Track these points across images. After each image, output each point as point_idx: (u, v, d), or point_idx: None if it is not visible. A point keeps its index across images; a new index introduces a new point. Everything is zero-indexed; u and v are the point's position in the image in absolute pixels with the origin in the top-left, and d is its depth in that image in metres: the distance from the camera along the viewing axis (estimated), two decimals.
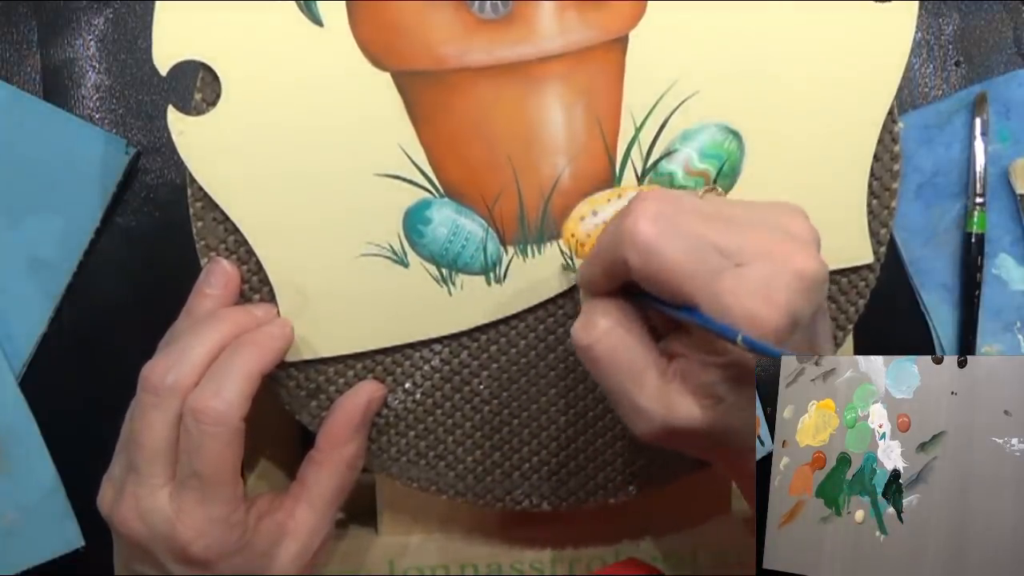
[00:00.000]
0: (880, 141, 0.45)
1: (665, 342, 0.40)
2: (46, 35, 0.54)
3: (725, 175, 0.45)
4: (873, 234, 0.46)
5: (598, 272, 0.40)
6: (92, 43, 0.54)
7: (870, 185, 0.46)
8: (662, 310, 0.39)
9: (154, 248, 0.54)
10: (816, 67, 0.45)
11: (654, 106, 0.45)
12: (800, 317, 0.37)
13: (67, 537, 0.53)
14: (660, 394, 0.38)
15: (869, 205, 0.46)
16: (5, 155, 0.52)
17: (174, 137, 0.44)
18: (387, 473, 0.48)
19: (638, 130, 0.45)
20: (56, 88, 0.54)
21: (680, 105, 0.45)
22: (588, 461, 0.48)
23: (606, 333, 0.39)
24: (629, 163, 0.45)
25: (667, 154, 0.45)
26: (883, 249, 0.47)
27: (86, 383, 0.54)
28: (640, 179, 0.45)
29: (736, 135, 0.45)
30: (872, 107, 0.45)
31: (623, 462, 0.48)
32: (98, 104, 0.54)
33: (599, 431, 0.48)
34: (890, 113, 0.45)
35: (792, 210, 0.39)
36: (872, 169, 0.46)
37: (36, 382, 0.54)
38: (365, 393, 0.46)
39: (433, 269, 0.46)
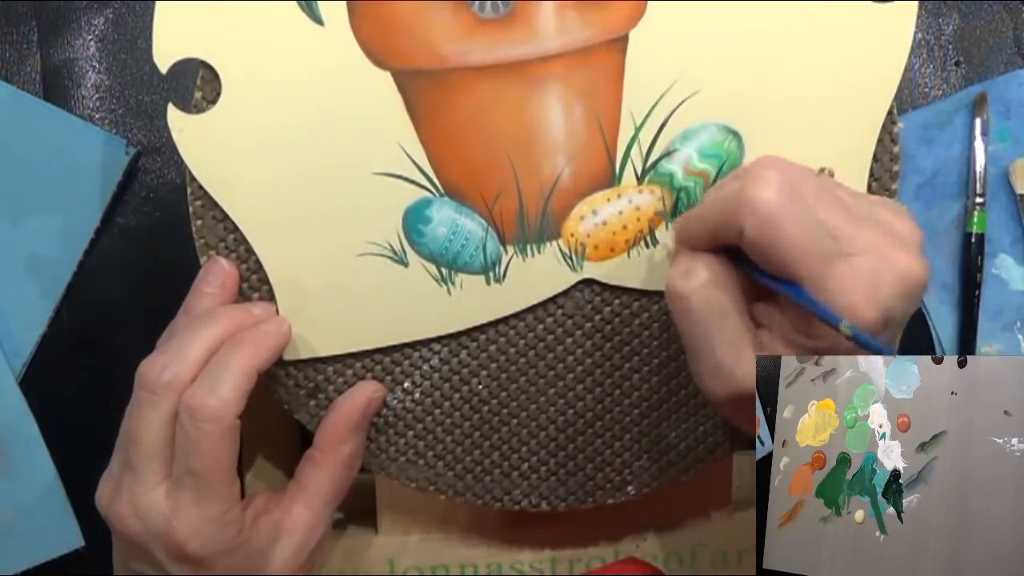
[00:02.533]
0: (880, 141, 0.45)
1: (752, 310, 0.40)
2: (46, 35, 0.54)
3: (725, 175, 0.45)
4: None
5: (703, 230, 0.40)
6: (92, 43, 0.54)
7: (869, 186, 0.46)
8: (763, 281, 0.39)
9: (154, 248, 0.54)
10: (816, 67, 0.45)
11: (654, 106, 0.45)
12: (894, 317, 0.37)
13: (67, 537, 0.53)
14: (743, 359, 0.39)
15: None
16: (5, 155, 0.52)
17: (174, 135, 0.44)
18: (385, 472, 0.48)
19: (638, 130, 0.45)
20: (56, 88, 0.54)
21: (680, 105, 0.45)
22: (587, 461, 0.48)
23: (703, 286, 0.39)
24: (629, 163, 0.45)
25: (667, 154, 0.45)
26: None
27: (86, 383, 0.54)
28: (640, 179, 0.45)
29: (736, 135, 0.45)
30: (872, 107, 0.45)
31: (622, 463, 0.48)
32: (98, 104, 0.54)
33: (598, 431, 0.48)
34: (890, 113, 0.45)
35: (898, 208, 0.40)
36: (872, 169, 0.46)
37: (36, 382, 0.54)
38: (364, 393, 0.46)
39: (432, 268, 0.46)
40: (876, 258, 0.37)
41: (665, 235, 0.46)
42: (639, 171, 0.45)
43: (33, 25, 0.54)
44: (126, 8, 0.54)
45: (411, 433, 0.48)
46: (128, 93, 0.54)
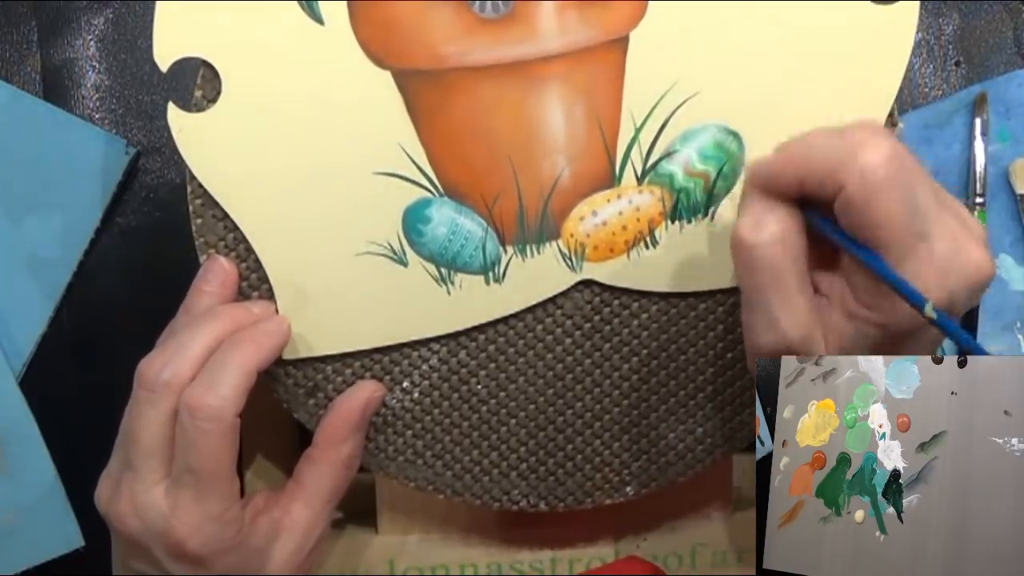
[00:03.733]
0: None
1: (812, 275, 0.40)
2: (46, 35, 0.54)
3: (725, 176, 0.45)
4: None
5: (791, 176, 0.39)
6: (92, 43, 0.54)
7: None
8: (839, 241, 0.38)
9: (154, 248, 0.54)
10: (817, 68, 0.45)
11: (654, 106, 0.45)
12: (956, 307, 0.37)
13: (67, 537, 0.53)
14: (801, 318, 0.38)
15: None
16: (5, 155, 0.52)
17: (174, 134, 0.44)
18: (384, 472, 0.48)
19: (638, 130, 0.45)
20: (56, 88, 0.54)
21: (681, 106, 0.45)
22: (585, 462, 0.48)
23: (773, 240, 0.38)
24: (629, 163, 0.45)
25: (667, 154, 0.45)
26: None
27: (86, 383, 0.54)
28: (640, 179, 0.45)
29: (736, 136, 0.45)
30: (872, 108, 0.45)
31: (620, 463, 0.48)
32: (98, 104, 0.54)
33: (597, 432, 0.48)
34: (890, 114, 0.45)
35: (962, 205, 0.40)
36: None
37: (36, 382, 0.54)
38: (364, 393, 0.46)
39: (432, 268, 0.46)
40: (954, 246, 0.37)
41: (665, 235, 0.46)
42: (639, 172, 0.45)
43: (33, 25, 0.54)
44: (126, 8, 0.54)
45: (410, 432, 0.48)
46: (128, 93, 0.54)
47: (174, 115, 0.44)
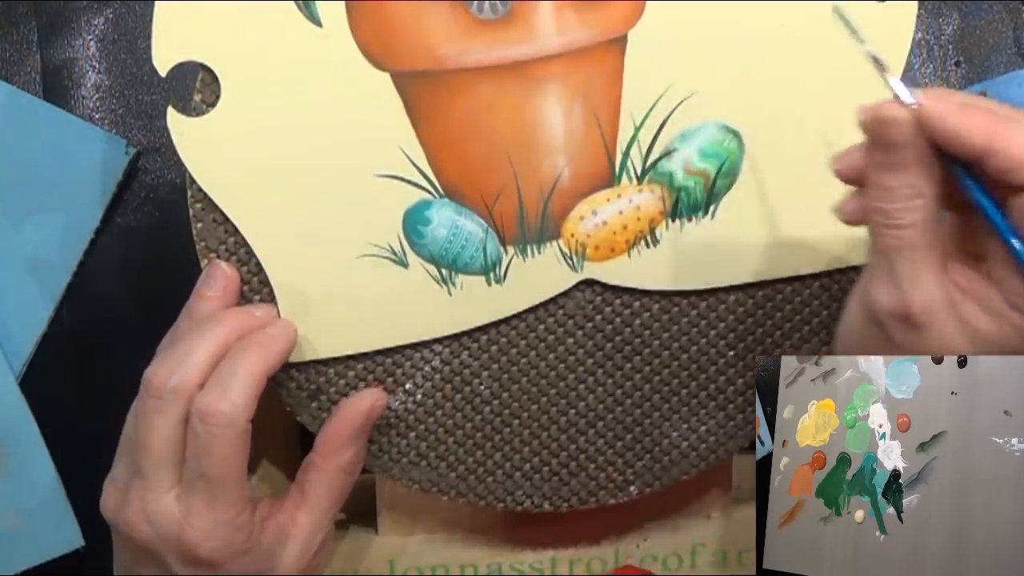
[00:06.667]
0: None
1: (954, 274, 0.37)
2: (46, 35, 0.54)
3: (725, 174, 0.45)
4: None
5: (975, 133, 0.35)
6: (92, 43, 0.54)
7: None
8: (997, 224, 0.35)
9: (154, 248, 0.54)
10: (815, 66, 0.45)
11: (653, 106, 0.45)
12: None
13: (67, 537, 0.53)
14: (928, 290, 0.36)
15: None
16: (5, 155, 0.52)
17: (174, 138, 0.44)
18: (388, 474, 0.48)
19: (637, 130, 0.45)
20: (56, 88, 0.54)
21: (679, 104, 0.45)
22: (589, 462, 0.48)
23: (918, 195, 0.35)
24: (628, 163, 0.45)
25: (666, 153, 0.45)
26: None
27: (86, 383, 0.54)
28: (640, 178, 0.45)
29: (735, 134, 0.45)
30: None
31: (624, 462, 0.48)
32: (98, 104, 0.54)
33: (600, 431, 0.48)
34: None
35: None
36: None
37: (36, 382, 0.54)
38: (367, 400, 0.46)
39: (433, 269, 0.46)
40: None
41: (666, 234, 0.46)
42: (639, 171, 0.45)
43: (33, 25, 0.54)
44: (126, 8, 0.54)
45: (413, 435, 0.48)
46: (128, 93, 0.54)
47: (174, 119, 0.44)
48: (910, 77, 0.53)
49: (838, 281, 0.47)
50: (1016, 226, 0.35)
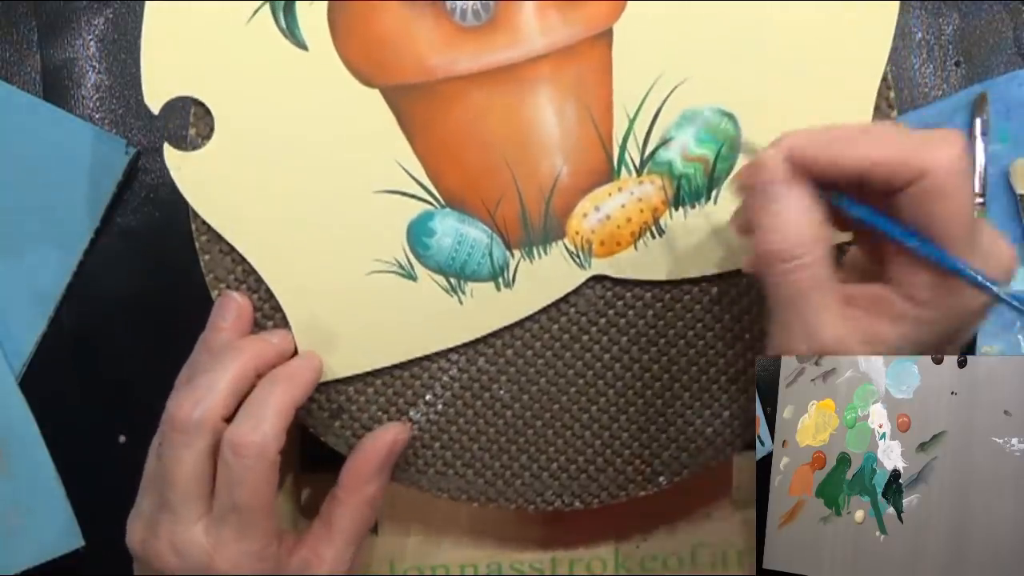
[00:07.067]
0: None
1: (846, 279, 0.39)
2: (46, 35, 0.54)
3: (724, 158, 0.45)
4: None
5: (850, 156, 0.37)
6: (92, 43, 0.54)
7: None
8: (901, 235, 0.37)
9: (154, 248, 0.54)
10: (804, 43, 0.44)
11: (645, 96, 0.45)
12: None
13: (67, 537, 0.53)
14: (838, 326, 0.38)
15: None
16: (5, 155, 0.52)
17: (172, 174, 0.45)
18: (416, 486, 0.48)
19: (632, 122, 0.45)
20: (56, 88, 0.54)
21: (671, 93, 0.45)
22: (615, 456, 0.48)
23: (804, 252, 0.37)
24: (626, 155, 0.45)
25: (663, 143, 0.45)
26: None
27: (86, 383, 0.54)
28: (639, 170, 0.45)
29: (731, 117, 0.45)
30: (862, 79, 0.45)
31: (650, 454, 0.48)
32: (98, 104, 0.54)
33: (623, 425, 0.48)
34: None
35: None
36: None
37: (36, 382, 0.54)
38: (389, 434, 0.46)
39: (442, 280, 0.46)
40: (993, 235, 0.38)
41: (670, 223, 0.46)
42: (637, 163, 0.45)
43: (33, 25, 0.54)
44: (126, 8, 0.54)
45: (438, 444, 0.48)
46: (128, 93, 0.54)
47: (170, 155, 0.44)
48: (910, 77, 0.53)
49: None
50: (907, 222, 0.37)
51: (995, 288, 0.36)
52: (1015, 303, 0.36)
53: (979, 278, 0.36)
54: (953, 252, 0.36)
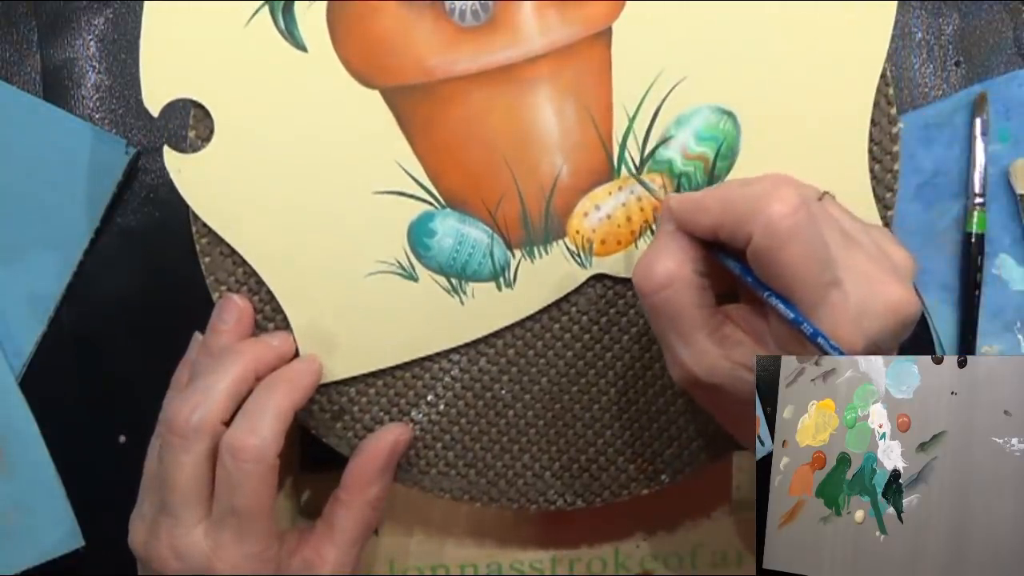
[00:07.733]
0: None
1: (726, 307, 0.41)
2: (46, 35, 0.54)
3: (723, 156, 0.45)
4: None
5: (705, 222, 0.40)
6: (92, 43, 0.54)
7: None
8: (758, 291, 0.39)
9: (154, 248, 0.54)
10: (802, 41, 0.44)
11: (644, 95, 0.45)
12: (883, 347, 0.38)
13: (67, 537, 0.53)
14: (704, 355, 0.40)
15: None
16: (5, 155, 0.52)
17: (172, 176, 0.45)
18: (419, 486, 0.48)
19: (631, 121, 0.45)
20: (56, 88, 0.54)
21: (671, 91, 0.45)
22: (618, 455, 0.48)
23: (663, 286, 0.40)
24: (626, 154, 0.45)
25: (663, 141, 0.45)
26: None
27: (86, 383, 0.54)
28: (639, 169, 0.45)
29: (730, 115, 0.45)
30: (861, 74, 0.45)
31: (653, 452, 0.48)
32: (98, 104, 0.54)
33: (625, 424, 0.48)
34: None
35: (891, 235, 0.41)
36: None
37: (36, 382, 0.54)
38: (391, 435, 0.46)
39: (443, 280, 0.46)
40: (868, 289, 0.38)
41: None
42: (637, 161, 0.45)
43: (33, 25, 0.54)
44: (126, 8, 0.54)
45: (440, 445, 0.48)
46: (128, 93, 0.54)
47: (170, 158, 0.44)
48: (910, 77, 0.53)
49: None
50: (760, 275, 0.39)
51: (827, 344, 0.37)
52: (835, 353, 0.37)
53: (809, 329, 0.37)
54: (806, 298, 0.37)
